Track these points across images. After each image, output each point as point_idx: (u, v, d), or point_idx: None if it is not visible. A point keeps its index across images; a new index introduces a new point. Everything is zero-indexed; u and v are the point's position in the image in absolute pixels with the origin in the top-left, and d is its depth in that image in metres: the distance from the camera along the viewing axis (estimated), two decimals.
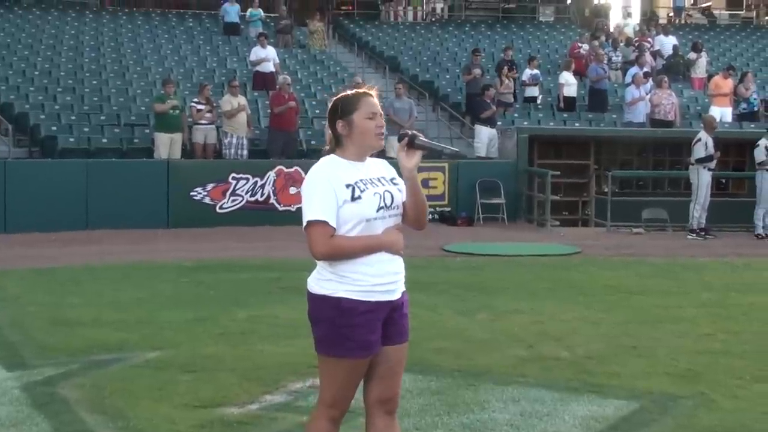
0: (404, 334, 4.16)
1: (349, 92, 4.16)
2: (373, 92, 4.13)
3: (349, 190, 3.96)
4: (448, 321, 8.82)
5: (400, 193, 4.09)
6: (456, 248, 14.45)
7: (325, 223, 3.94)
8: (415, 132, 4.14)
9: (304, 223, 3.99)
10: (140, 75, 22.36)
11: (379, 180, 4.07)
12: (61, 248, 14.10)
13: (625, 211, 17.86)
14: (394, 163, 4.15)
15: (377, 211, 3.99)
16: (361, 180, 4.01)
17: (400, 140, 4.08)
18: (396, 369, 4.15)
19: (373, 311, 3.99)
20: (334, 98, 4.17)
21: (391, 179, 4.11)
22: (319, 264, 4.06)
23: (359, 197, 3.96)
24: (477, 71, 21.74)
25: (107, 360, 7.23)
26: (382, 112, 4.11)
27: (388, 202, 4.03)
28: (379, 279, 4.00)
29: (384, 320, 4.04)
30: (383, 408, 4.15)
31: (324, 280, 4.03)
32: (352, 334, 3.96)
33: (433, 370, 6.83)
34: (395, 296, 4.08)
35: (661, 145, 20.27)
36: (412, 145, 4.06)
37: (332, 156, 4.08)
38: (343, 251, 3.97)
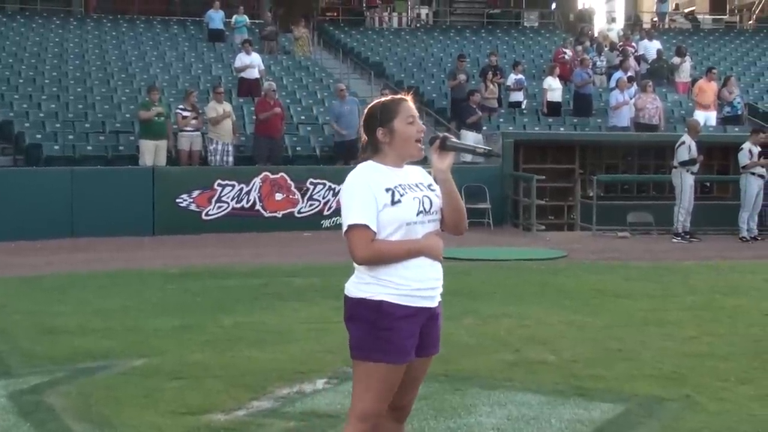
0: (437, 346, 4.15)
1: (384, 99, 4.13)
2: (409, 97, 4.11)
3: (388, 194, 3.92)
4: None
5: (438, 198, 4.05)
6: (447, 253, 14.43)
7: (366, 227, 3.88)
8: (446, 134, 4.12)
9: (345, 228, 3.91)
10: (125, 82, 22.33)
11: (417, 185, 4.03)
12: (47, 256, 14.06)
13: (611, 215, 17.91)
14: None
15: (417, 215, 3.95)
16: (400, 185, 3.97)
17: (431, 143, 4.06)
18: (419, 379, 4.15)
19: (413, 316, 3.95)
20: (371, 105, 4.12)
21: (429, 185, 4.08)
22: (358, 268, 3.99)
23: (399, 201, 3.92)
24: (462, 77, 21.78)
25: (93, 368, 7.21)
26: (417, 116, 4.07)
27: (427, 207, 4.00)
28: (419, 284, 3.97)
29: (421, 330, 4.01)
30: (395, 415, 4.13)
31: (363, 284, 3.95)
32: (391, 337, 3.90)
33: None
34: (435, 303, 4.06)
35: (645, 149, 20.34)
36: (444, 147, 4.03)
37: (370, 162, 4.04)
38: (384, 255, 3.91)
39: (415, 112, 4.06)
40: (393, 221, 3.92)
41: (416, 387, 4.19)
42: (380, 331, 3.90)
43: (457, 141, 4.14)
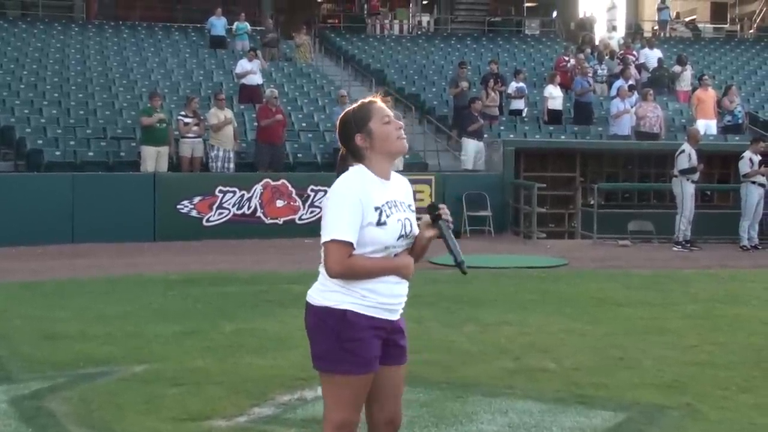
0: (404, 356, 4.12)
1: (353, 105, 4.08)
2: (378, 98, 4.07)
3: (377, 213, 3.87)
4: (436, 333, 8.82)
5: (416, 220, 4.03)
6: (443, 260, 14.43)
7: (349, 244, 3.83)
8: (445, 212, 3.97)
9: (326, 238, 3.85)
10: (126, 88, 22.35)
11: (401, 204, 3.99)
12: (48, 261, 14.07)
13: (611, 224, 17.92)
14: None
15: (398, 239, 3.93)
16: (387, 202, 3.92)
17: (428, 209, 3.98)
18: (398, 390, 4.11)
19: (375, 328, 3.93)
20: (342, 115, 4.08)
21: (409, 206, 4.05)
22: (325, 276, 3.95)
23: (384, 223, 3.88)
24: (464, 84, 21.81)
25: (94, 373, 7.20)
26: (392, 114, 4.02)
27: (407, 231, 3.96)
28: (385, 299, 3.94)
29: (385, 340, 3.98)
30: (386, 429, 4.11)
31: (329, 291, 3.92)
32: (355, 349, 3.88)
33: (421, 383, 6.82)
34: (395, 317, 4.03)
35: (646, 158, 20.36)
36: (434, 221, 3.96)
37: (361, 167, 3.97)
38: (358, 273, 3.88)
39: (389, 112, 4.00)
40: (374, 242, 3.88)
41: (397, 397, 4.13)
42: (345, 342, 3.88)
43: (447, 228, 3.97)
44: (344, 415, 3.96)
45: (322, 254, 3.88)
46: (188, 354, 7.86)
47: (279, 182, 17.21)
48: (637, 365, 7.61)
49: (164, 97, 20.16)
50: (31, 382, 6.91)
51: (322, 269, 3.93)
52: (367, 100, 4.07)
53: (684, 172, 16.56)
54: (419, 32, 34.25)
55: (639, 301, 10.98)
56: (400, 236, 3.94)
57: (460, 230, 17.93)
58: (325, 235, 3.86)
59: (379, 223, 3.88)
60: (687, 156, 16.52)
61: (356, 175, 3.95)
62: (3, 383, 6.90)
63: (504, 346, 8.30)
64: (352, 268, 3.87)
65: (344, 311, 3.89)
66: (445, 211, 3.98)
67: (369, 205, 3.87)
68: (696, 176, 16.74)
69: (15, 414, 6.10)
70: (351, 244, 3.84)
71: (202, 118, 18.30)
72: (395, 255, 3.97)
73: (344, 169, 4.01)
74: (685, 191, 16.61)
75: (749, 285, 12.60)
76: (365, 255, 3.89)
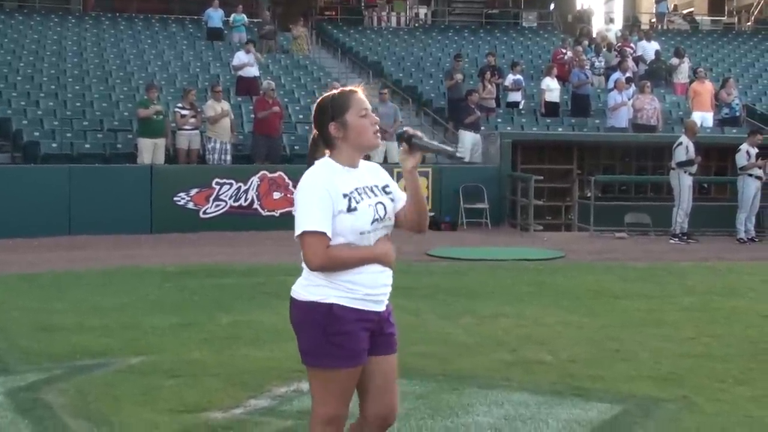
0: (393, 345, 4.09)
1: (335, 91, 4.04)
2: (360, 89, 4.03)
3: (345, 200, 3.86)
4: (432, 325, 8.83)
5: (392, 203, 4.01)
6: (440, 253, 14.48)
7: (323, 234, 3.82)
8: (413, 131, 4.02)
9: (298, 232, 3.85)
10: (123, 80, 22.32)
11: (372, 189, 3.97)
12: (44, 253, 14.06)
13: (608, 216, 17.92)
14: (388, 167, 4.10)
15: (371, 223, 3.91)
16: (356, 189, 3.91)
17: (398, 139, 4.00)
18: (390, 381, 4.07)
19: (362, 320, 3.92)
20: (320, 99, 4.06)
21: (384, 187, 4.03)
22: (307, 270, 3.95)
23: (355, 209, 3.87)
24: (459, 76, 21.79)
25: (91, 365, 7.20)
26: (370, 108, 4.00)
27: (382, 215, 3.94)
28: (370, 290, 3.92)
29: (372, 331, 3.97)
30: (379, 423, 4.09)
31: (313, 286, 3.92)
32: (343, 342, 3.86)
33: (417, 375, 6.83)
34: (382, 307, 4.01)
35: (643, 150, 20.37)
36: (410, 145, 3.97)
37: (327, 159, 3.97)
38: (338, 263, 3.86)
39: (368, 105, 3.98)
40: (347, 229, 3.87)
41: (391, 390, 4.09)
42: (331, 336, 3.86)
43: (425, 140, 4.02)
44: (332, 409, 3.95)
45: (302, 251, 3.86)
46: (185, 346, 7.86)
47: (276, 174, 17.20)
48: (634, 357, 7.62)
49: (161, 89, 20.12)
50: (27, 373, 6.91)
51: (304, 264, 3.92)
52: (348, 89, 4.03)
53: (682, 165, 16.56)
54: (416, 24, 34.19)
55: (636, 293, 10.99)
56: (374, 220, 3.92)
57: (457, 222, 17.95)
58: (298, 229, 3.86)
59: (350, 210, 3.87)
60: (684, 148, 16.52)
61: (321, 167, 3.95)
62: (0, 375, 6.90)
63: (500, 338, 8.30)
64: (331, 258, 3.85)
65: (330, 305, 3.88)
66: (410, 130, 4.02)
67: (337, 193, 3.86)
68: (694, 169, 16.74)
69: (11, 406, 6.10)
70: (325, 234, 3.83)
71: (199, 110, 18.28)
72: (375, 242, 3.95)
73: (313, 159, 4.01)
74: (683, 184, 16.61)
75: (746, 277, 12.61)
76: (342, 244, 3.87)
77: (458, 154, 4.18)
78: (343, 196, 3.87)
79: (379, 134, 4.00)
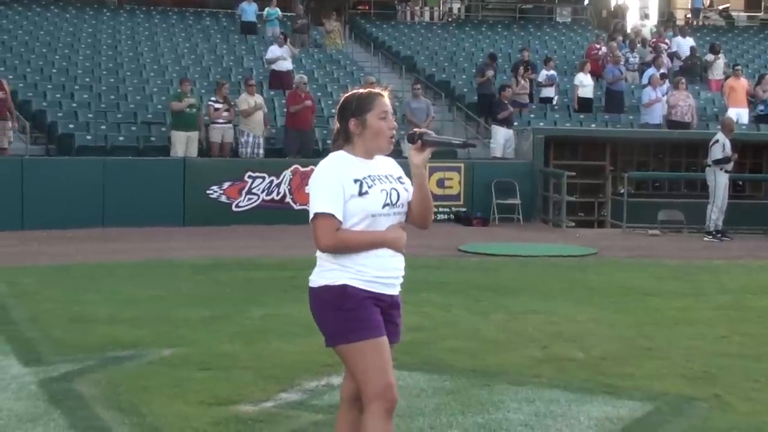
0: (398, 335, 4.19)
1: (361, 90, 4.20)
2: (386, 93, 4.16)
3: (357, 185, 3.99)
4: (463, 321, 8.82)
5: (406, 192, 4.13)
6: (471, 248, 14.45)
7: (332, 216, 3.95)
8: (423, 130, 4.21)
9: (311, 215, 4.00)
10: (157, 73, 22.43)
11: (386, 177, 4.10)
12: (78, 245, 14.16)
13: (641, 213, 17.83)
14: (405, 163, 4.18)
15: (383, 207, 4.02)
16: (369, 176, 4.04)
17: (409, 140, 4.13)
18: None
19: (375, 299, 4.01)
20: (347, 95, 4.21)
21: (398, 178, 4.15)
22: (320, 258, 4.07)
23: (366, 192, 3.99)
24: (489, 73, 21.71)
25: (123, 357, 7.25)
26: (391, 112, 4.15)
27: (394, 200, 4.06)
28: (381, 272, 4.02)
29: (383, 314, 4.04)
30: (359, 405, 4.08)
31: (326, 271, 4.03)
32: (359, 315, 3.95)
33: (448, 370, 6.84)
34: (395, 291, 4.11)
35: (677, 147, 20.23)
36: (423, 143, 4.11)
37: (341, 152, 4.11)
38: (348, 245, 3.98)
39: (389, 108, 4.13)
40: (359, 212, 3.98)
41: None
42: (348, 312, 3.97)
43: (434, 136, 4.19)
44: (379, 380, 3.97)
45: (313, 233, 3.99)
46: (216, 338, 7.89)
47: (308, 168, 17.19)
48: (666, 356, 7.57)
49: (194, 83, 20.19)
50: (60, 364, 6.96)
51: (318, 252, 4.05)
52: (375, 90, 4.18)
53: (718, 162, 16.42)
54: (450, 19, 34.13)
55: (668, 291, 10.92)
56: (386, 204, 4.03)
57: (489, 218, 17.90)
58: (311, 213, 4.00)
59: (361, 194, 3.99)
60: (721, 146, 16.38)
61: (334, 157, 4.11)
62: (33, 365, 6.96)
63: (531, 334, 8.28)
64: (341, 240, 3.98)
65: (343, 285, 3.99)
66: (420, 129, 4.21)
67: (348, 179, 4.00)
68: (729, 166, 16.60)
69: (44, 396, 6.15)
70: (334, 216, 3.95)
71: (232, 103, 18.34)
72: (387, 228, 4.05)
73: (335, 148, 4.16)
74: (719, 181, 16.48)
75: None
76: (353, 227, 3.99)
77: (468, 141, 4.34)
78: (354, 181, 4.00)
79: (393, 140, 4.15)
